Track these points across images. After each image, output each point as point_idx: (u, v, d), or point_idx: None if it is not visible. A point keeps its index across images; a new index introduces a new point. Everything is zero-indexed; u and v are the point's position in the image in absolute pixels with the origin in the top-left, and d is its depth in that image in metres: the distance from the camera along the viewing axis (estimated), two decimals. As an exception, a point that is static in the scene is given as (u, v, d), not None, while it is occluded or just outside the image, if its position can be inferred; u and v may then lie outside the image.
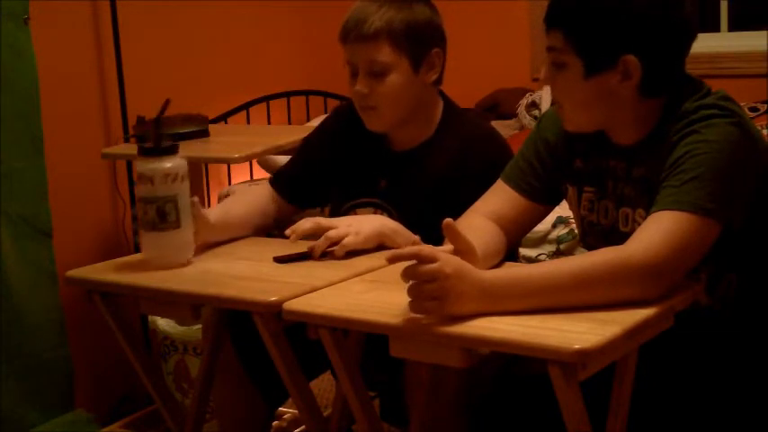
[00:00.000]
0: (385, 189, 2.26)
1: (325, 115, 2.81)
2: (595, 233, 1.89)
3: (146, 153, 2.02)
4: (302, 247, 2.07)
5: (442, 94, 2.26)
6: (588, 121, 1.81)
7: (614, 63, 1.72)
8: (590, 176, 1.88)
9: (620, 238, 1.76)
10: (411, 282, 1.59)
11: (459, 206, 2.01)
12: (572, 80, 1.75)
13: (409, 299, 1.60)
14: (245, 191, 2.30)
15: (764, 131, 3.24)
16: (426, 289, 1.58)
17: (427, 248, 1.60)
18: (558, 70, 1.76)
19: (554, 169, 1.92)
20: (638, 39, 1.71)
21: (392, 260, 1.63)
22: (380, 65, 2.14)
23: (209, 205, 3.45)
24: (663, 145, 1.72)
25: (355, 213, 2.29)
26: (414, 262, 1.59)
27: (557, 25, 1.75)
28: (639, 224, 1.74)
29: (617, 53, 1.71)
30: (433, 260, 1.57)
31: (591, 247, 1.92)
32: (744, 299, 1.79)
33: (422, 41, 2.16)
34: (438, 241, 1.65)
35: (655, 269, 1.57)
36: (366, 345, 1.94)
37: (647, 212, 1.70)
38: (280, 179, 2.36)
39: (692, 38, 1.77)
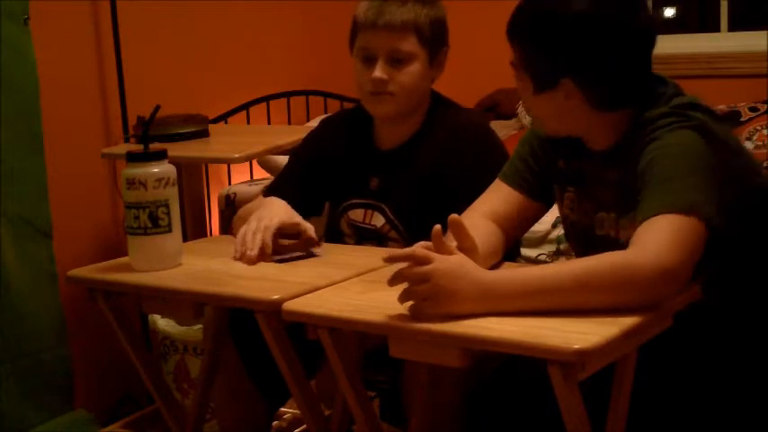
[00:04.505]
0: (377, 187, 2.27)
1: (324, 116, 2.81)
2: (577, 233, 1.91)
3: (136, 158, 2.02)
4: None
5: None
6: (556, 129, 1.86)
7: (555, 85, 1.76)
8: (571, 178, 1.90)
9: (597, 240, 1.80)
10: (406, 284, 1.60)
11: (449, 195, 2.04)
12: (528, 94, 1.81)
13: (403, 301, 1.61)
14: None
15: (764, 131, 3.25)
16: (418, 290, 1.59)
17: (421, 250, 1.60)
18: (520, 83, 1.82)
19: (546, 166, 1.93)
20: (573, 65, 1.74)
21: (388, 261, 1.65)
22: (404, 53, 2.18)
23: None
24: (630, 153, 1.74)
25: (348, 215, 2.31)
26: (407, 264, 1.60)
27: (511, 43, 1.80)
28: (613, 228, 1.79)
29: (556, 76, 1.75)
30: (427, 262, 1.58)
31: (574, 245, 1.97)
32: (743, 298, 1.80)
33: (439, 38, 2.23)
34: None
35: (670, 274, 1.55)
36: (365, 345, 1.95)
37: (619, 217, 1.76)
38: (276, 193, 2.34)
39: (644, 49, 1.77)
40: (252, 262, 2.02)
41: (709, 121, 1.72)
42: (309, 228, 2.09)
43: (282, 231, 2.09)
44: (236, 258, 2.05)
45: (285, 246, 2.10)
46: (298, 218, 2.12)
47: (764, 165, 3.15)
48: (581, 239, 1.90)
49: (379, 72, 2.18)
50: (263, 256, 2.03)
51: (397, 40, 2.17)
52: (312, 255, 2.08)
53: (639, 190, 1.68)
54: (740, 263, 1.79)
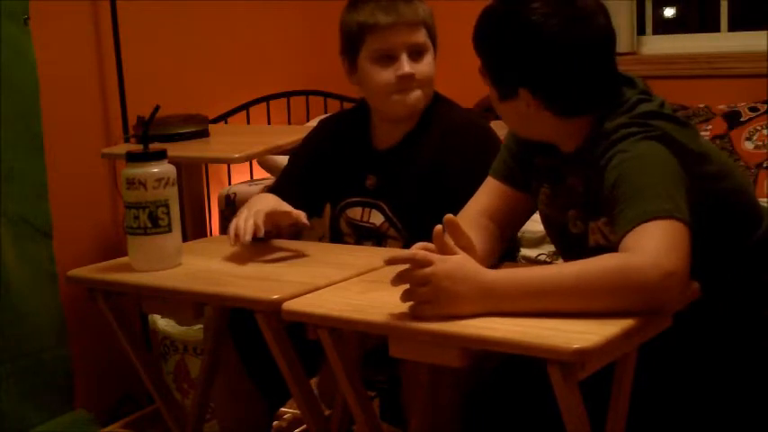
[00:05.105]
0: (374, 186, 2.29)
1: (324, 116, 2.81)
2: (553, 229, 1.93)
3: (136, 158, 2.02)
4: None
5: None
6: (524, 134, 1.88)
7: (515, 94, 1.77)
8: (545, 174, 1.91)
9: (573, 238, 1.83)
10: (406, 285, 1.61)
11: (448, 194, 2.05)
12: (494, 102, 1.84)
13: (405, 301, 1.61)
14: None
15: (764, 131, 3.25)
16: (419, 292, 1.59)
17: (422, 252, 1.60)
18: (489, 90, 1.85)
19: (528, 158, 1.94)
20: (526, 76, 1.75)
21: (389, 263, 1.65)
22: (422, 45, 2.25)
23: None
24: (592, 159, 1.74)
25: (347, 214, 2.31)
26: (408, 266, 1.60)
27: (475, 52, 1.83)
28: (583, 229, 1.80)
29: (514, 86, 1.77)
30: (427, 264, 1.58)
31: (554, 242, 1.98)
32: (742, 298, 1.80)
33: (436, 32, 2.29)
34: (430, 231, 1.65)
35: (673, 276, 1.53)
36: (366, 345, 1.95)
37: (586, 219, 1.78)
38: (276, 194, 2.32)
39: (597, 57, 1.76)
40: (246, 246, 2.05)
41: (671, 129, 1.71)
42: (301, 214, 2.10)
43: (273, 219, 2.11)
44: (231, 245, 2.08)
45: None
46: (288, 206, 2.13)
47: (764, 165, 3.15)
48: (558, 236, 1.91)
49: (408, 67, 2.21)
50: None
51: (414, 34, 2.22)
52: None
53: (608, 200, 1.68)
54: (728, 262, 1.79)
